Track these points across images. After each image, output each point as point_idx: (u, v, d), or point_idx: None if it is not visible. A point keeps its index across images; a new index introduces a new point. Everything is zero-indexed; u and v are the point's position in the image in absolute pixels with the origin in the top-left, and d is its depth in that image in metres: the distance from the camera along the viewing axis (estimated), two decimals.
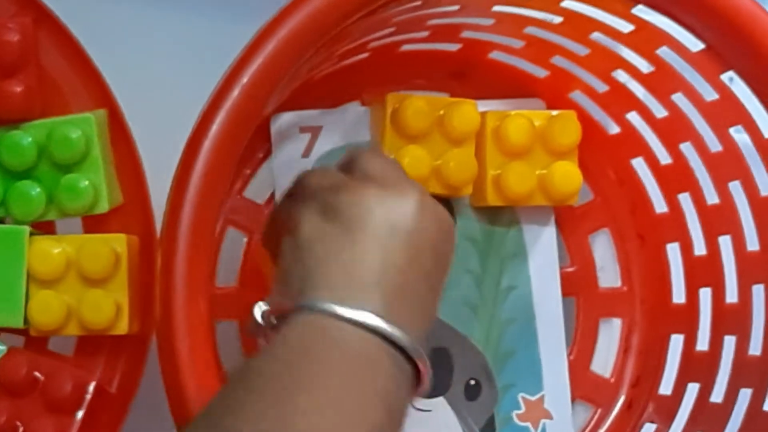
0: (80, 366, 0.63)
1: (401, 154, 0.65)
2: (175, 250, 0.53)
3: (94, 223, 0.62)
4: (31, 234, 0.61)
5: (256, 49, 0.54)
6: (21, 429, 0.62)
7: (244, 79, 0.53)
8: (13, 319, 0.61)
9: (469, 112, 0.66)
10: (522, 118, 0.67)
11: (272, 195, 0.67)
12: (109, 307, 0.60)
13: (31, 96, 0.61)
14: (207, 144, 0.53)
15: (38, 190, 0.61)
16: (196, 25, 0.71)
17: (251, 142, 0.64)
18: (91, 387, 0.62)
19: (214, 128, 0.53)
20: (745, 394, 0.64)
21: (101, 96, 0.62)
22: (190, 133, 0.54)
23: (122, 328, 0.61)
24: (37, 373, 0.62)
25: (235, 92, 0.53)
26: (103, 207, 0.61)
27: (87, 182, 0.61)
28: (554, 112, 0.68)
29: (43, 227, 0.63)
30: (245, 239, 0.67)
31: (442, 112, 0.65)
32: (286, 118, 0.67)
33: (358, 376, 0.47)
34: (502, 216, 0.69)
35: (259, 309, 0.52)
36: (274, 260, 0.56)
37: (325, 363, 0.47)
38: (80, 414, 0.62)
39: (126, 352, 0.63)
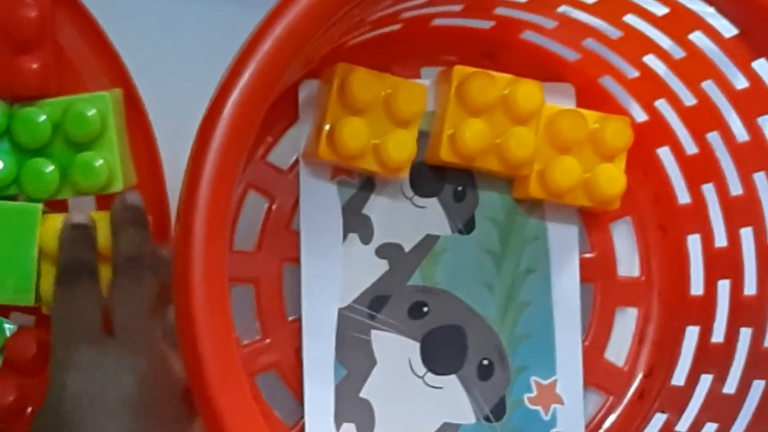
0: None
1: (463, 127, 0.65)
2: (195, 207, 0.52)
3: (107, 203, 0.62)
4: (44, 212, 0.61)
5: (281, 10, 0.53)
6: (29, 410, 0.63)
7: (268, 43, 0.52)
8: (24, 297, 0.60)
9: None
10: (577, 115, 0.67)
11: (296, 161, 0.67)
12: None
13: (47, 73, 0.61)
14: (232, 99, 0.52)
15: (52, 167, 0.61)
16: (214, 6, 0.71)
17: (276, 110, 0.65)
18: None
19: (240, 85, 0.52)
20: (758, 386, 0.63)
21: (117, 75, 0.62)
22: (215, 90, 0.54)
23: None
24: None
25: (262, 50, 0.52)
26: (118, 186, 0.61)
27: (102, 161, 0.61)
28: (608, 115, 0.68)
29: (56, 205, 0.63)
30: (266, 204, 0.67)
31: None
32: (314, 86, 0.67)
33: None
34: (526, 198, 0.69)
35: None
36: None
37: None
38: None
39: None
